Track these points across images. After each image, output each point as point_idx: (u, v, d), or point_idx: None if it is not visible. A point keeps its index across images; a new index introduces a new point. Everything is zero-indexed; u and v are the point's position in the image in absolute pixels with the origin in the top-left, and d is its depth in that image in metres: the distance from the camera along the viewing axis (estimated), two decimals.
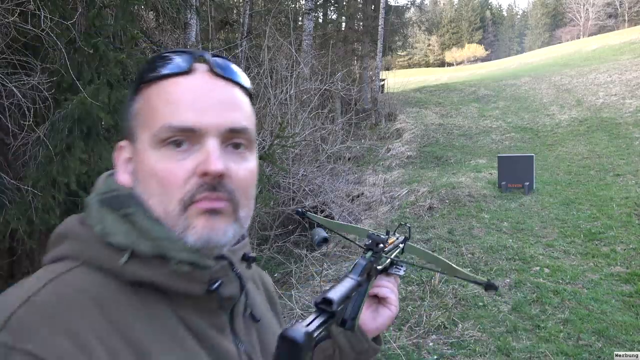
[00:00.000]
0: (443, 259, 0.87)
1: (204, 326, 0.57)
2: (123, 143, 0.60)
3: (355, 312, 0.73)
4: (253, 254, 0.65)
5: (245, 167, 0.58)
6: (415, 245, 0.94)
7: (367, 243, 0.77)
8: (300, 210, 0.90)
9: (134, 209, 0.55)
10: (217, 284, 0.55)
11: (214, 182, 0.54)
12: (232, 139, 0.57)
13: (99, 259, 0.53)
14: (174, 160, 0.54)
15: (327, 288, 0.57)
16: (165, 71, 0.56)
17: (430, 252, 0.90)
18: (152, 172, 0.55)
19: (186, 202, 0.54)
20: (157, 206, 0.55)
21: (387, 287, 0.81)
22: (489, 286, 0.83)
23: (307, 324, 0.48)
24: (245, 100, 0.60)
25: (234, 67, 0.60)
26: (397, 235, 0.91)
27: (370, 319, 0.80)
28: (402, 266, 0.86)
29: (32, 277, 0.52)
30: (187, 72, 0.56)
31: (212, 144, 0.54)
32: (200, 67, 0.57)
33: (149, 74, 0.57)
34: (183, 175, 0.54)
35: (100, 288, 0.51)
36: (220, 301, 0.57)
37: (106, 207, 0.55)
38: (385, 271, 0.83)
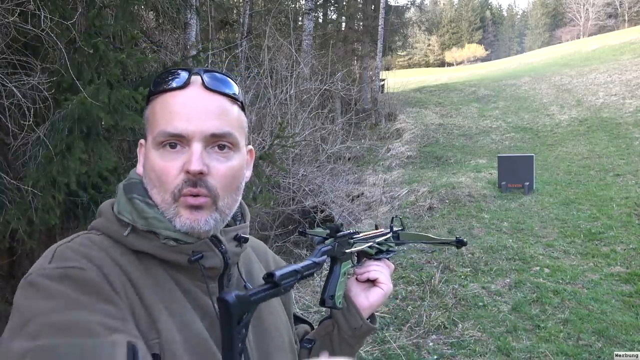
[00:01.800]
0: (425, 234, 1.06)
1: (194, 289, 0.70)
2: (142, 141, 0.74)
3: (332, 291, 0.86)
4: (246, 236, 0.77)
5: (226, 165, 0.70)
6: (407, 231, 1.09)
7: (327, 232, 0.88)
8: (302, 230, 1.04)
9: (136, 194, 0.70)
10: (197, 256, 0.68)
11: (195, 179, 0.67)
12: (216, 142, 0.69)
13: (112, 230, 0.69)
14: (169, 160, 0.67)
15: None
16: (166, 86, 0.69)
17: (418, 233, 1.09)
18: (153, 168, 0.69)
19: (176, 194, 0.67)
20: (156, 195, 0.69)
21: (375, 270, 0.92)
22: (459, 242, 0.99)
23: (247, 291, 0.58)
24: (232, 108, 0.72)
25: (229, 80, 0.73)
26: (383, 229, 1.04)
27: (364, 299, 0.91)
28: (393, 251, 1.00)
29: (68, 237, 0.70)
30: (183, 86, 0.69)
31: (195, 147, 0.67)
32: (197, 81, 0.70)
33: (155, 87, 0.71)
34: (174, 172, 0.67)
35: (110, 249, 0.66)
36: (202, 270, 0.69)
37: (123, 191, 0.71)
38: (372, 256, 0.96)
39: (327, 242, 0.86)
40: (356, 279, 0.93)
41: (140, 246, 0.67)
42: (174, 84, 0.69)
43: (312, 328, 0.98)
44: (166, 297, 0.66)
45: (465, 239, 1.01)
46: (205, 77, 0.70)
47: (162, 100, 0.69)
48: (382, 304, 0.93)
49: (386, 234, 1.02)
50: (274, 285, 0.63)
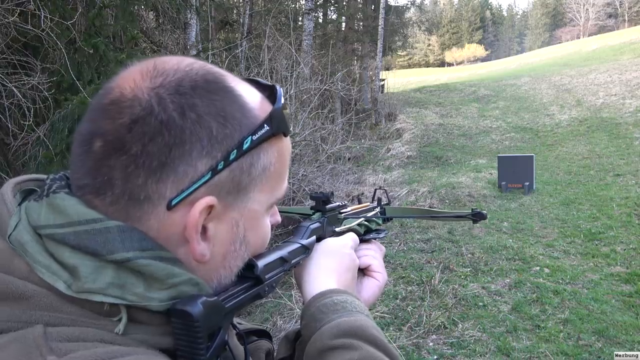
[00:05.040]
0: (422, 208, 0.83)
1: None
2: (214, 200, 0.42)
3: None
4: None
5: None
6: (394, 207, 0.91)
7: (312, 205, 0.70)
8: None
9: (133, 251, 0.40)
10: None
11: None
12: None
13: (81, 333, 0.38)
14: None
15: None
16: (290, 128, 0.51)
17: (409, 207, 0.89)
18: (265, 237, 0.53)
19: None
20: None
21: (367, 255, 0.73)
22: (477, 215, 0.78)
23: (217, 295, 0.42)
24: None
25: None
26: (370, 203, 0.86)
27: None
28: (383, 230, 0.80)
29: None
30: None
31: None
32: None
33: (286, 127, 0.49)
34: None
35: None
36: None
37: (92, 252, 0.39)
38: (361, 237, 0.75)
39: (314, 217, 0.67)
40: None
41: (156, 341, 0.39)
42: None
43: (271, 339, 0.70)
44: None
45: (485, 212, 0.79)
46: None
47: (288, 146, 0.51)
48: (377, 299, 0.71)
49: (374, 208, 0.82)
50: (257, 281, 0.47)
